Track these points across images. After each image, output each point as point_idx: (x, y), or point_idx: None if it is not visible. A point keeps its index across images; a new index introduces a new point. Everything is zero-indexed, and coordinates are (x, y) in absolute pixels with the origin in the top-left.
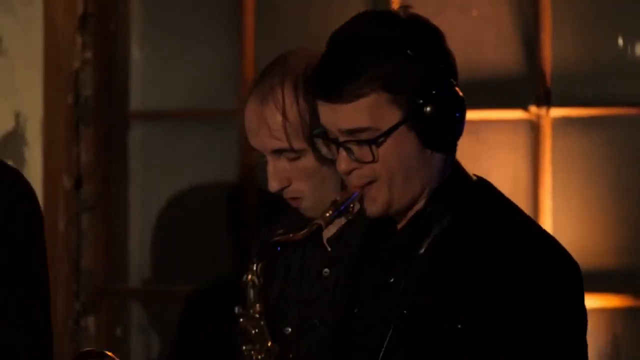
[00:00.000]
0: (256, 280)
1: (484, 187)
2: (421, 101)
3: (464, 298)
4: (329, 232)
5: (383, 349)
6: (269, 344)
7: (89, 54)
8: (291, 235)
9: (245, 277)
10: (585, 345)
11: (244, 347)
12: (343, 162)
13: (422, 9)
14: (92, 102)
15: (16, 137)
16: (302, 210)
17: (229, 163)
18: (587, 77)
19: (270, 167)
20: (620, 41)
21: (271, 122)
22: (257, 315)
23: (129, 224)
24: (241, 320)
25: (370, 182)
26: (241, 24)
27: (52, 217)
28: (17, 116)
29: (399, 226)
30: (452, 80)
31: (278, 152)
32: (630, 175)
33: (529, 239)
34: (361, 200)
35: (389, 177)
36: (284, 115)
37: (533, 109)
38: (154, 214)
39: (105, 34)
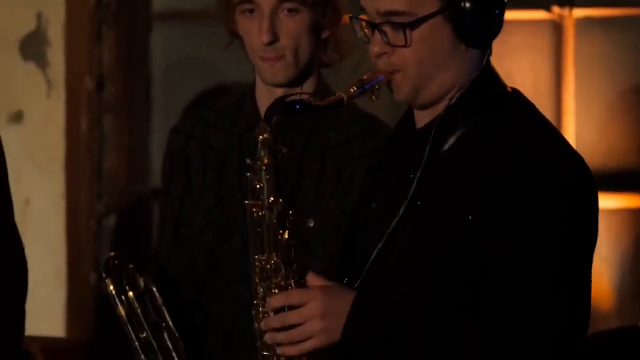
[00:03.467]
0: (267, 136)
1: (517, 97)
2: None
3: (478, 192)
4: None
5: (387, 234)
6: (271, 199)
7: None
8: (312, 98)
9: (256, 131)
10: (589, 259)
11: (246, 201)
12: (376, 44)
13: None
14: (114, 3)
15: (38, 38)
16: (276, 73)
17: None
18: None
19: (266, 21)
20: None
21: None
22: (264, 169)
23: (151, 125)
24: (248, 173)
25: (397, 70)
26: None
27: (74, 119)
28: (39, 17)
29: (423, 123)
30: None
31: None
32: None
33: (551, 146)
34: (388, 84)
35: (417, 68)
36: None
37: (556, 9)
38: (175, 116)
39: None
